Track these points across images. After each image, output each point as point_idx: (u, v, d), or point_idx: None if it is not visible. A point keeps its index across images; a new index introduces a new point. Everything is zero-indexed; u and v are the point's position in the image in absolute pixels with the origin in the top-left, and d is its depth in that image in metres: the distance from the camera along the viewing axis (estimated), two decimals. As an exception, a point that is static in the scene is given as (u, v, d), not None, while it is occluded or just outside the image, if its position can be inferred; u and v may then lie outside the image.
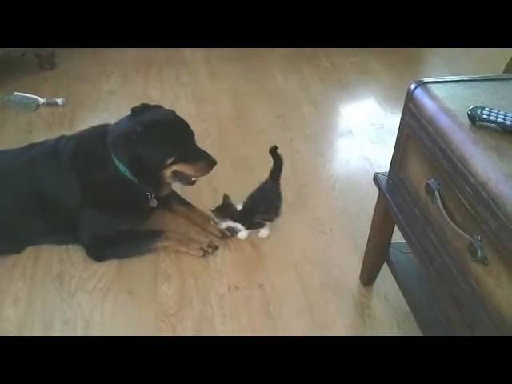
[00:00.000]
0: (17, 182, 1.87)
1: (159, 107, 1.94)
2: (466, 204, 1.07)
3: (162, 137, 1.80)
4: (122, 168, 1.81)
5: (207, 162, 1.90)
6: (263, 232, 2.02)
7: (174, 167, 1.84)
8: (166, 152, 1.81)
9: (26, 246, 1.97)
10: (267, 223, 2.00)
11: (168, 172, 1.85)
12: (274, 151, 1.95)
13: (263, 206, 1.96)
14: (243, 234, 2.01)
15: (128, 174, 1.82)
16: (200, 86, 3.09)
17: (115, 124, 1.90)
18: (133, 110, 1.88)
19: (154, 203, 1.97)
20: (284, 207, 2.13)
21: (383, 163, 2.26)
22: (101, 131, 1.88)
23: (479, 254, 1.05)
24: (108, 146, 1.81)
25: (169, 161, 1.81)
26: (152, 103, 1.98)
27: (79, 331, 1.68)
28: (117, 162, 1.81)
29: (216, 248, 1.97)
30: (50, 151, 1.90)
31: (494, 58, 3.19)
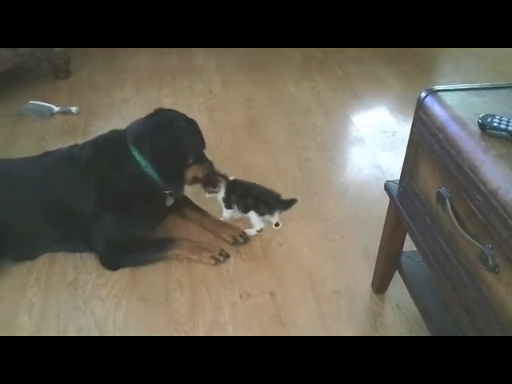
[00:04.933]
0: (32, 190, 1.89)
1: (173, 110, 2.02)
2: (477, 212, 1.07)
3: (195, 131, 1.96)
4: (143, 164, 1.86)
5: (209, 166, 2.04)
6: (249, 231, 2.07)
7: (192, 169, 1.97)
8: (196, 145, 1.96)
9: (40, 253, 1.98)
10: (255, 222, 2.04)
11: (189, 174, 1.97)
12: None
13: (248, 192, 2.01)
14: (226, 214, 2.10)
15: (149, 169, 1.86)
16: (213, 95, 3.11)
17: (131, 125, 1.96)
18: (155, 110, 1.98)
19: (170, 201, 2.01)
20: (295, 215, 2.14)
21: (395, 171, 2.24)
22: (117, 134, 1.95)
23: (490, 262, 1.05)
24: (128, 144, 1.86)
25: (192, 159, 1.94)
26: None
27: (92, 337, 1.70)
28: (139, 158, 1.85)
29: (227, 256, 1.97)
30: (65, 159, 1.93)
31: (505, 65, 3.19)
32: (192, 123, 1.99)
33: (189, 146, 1.94)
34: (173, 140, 1.87)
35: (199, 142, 2.01)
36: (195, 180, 2.03)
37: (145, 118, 1.96)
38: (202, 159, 2.02)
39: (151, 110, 1.97)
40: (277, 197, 2.01)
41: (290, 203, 2.00)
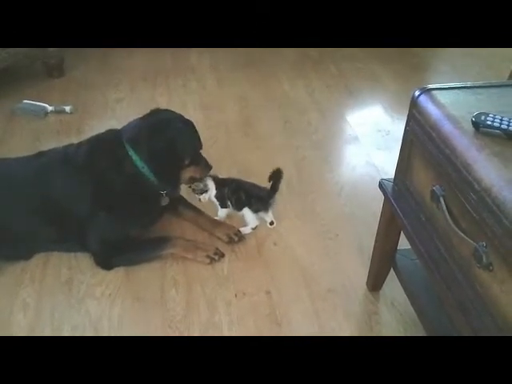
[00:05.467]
0: (26, 190, 1.89)
1: (169, 110, 2.02)
2: (471, 210, 1.07)
3: (191, 132, 1.96)
4: (139, 164, 1.86)
5: (206, 166, 2.05)
6: (244, 229, 2.07)
7: (188, 170, 1.97)
8: (191, 147, 1.96)
9: (35, 253, 1.98)
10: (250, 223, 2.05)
11: (185, 174, 1.98)
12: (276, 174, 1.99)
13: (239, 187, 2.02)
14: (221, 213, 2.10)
15: (145, 170, 1.86)
16: (207, 93, 3.11)
17: (127, 125, 1.96)
18: (151, 111, 1.98)
19: (165, 201, 2.01)
20: (290, 213, 2.14)
21: (390, 169, 2.25)
22: (113, 133, 1.95)
23: (484, 260, 1.05)
24: (124, 144, 1.86)
25: (187, 160, 1.94)
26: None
27: (87, 337, 1.69)
28: (135, 158, 1.85)
29: (222, 255, 1.97)
30: (60, 158, 1.92)
31: (500, 64, 3.19)
32: (189, 124, 1.99)
33: (185, 147, 1.93)
34: (169, 141, 1.87)
35: (196, 143, 2.01)
36: (192, 180, 2.03)
37: (141, 118, 1.95)
38: (198, 160, 2.02)
39: (145, 110, 1.97)
40: (268, 191, 2.01)
41: (275, 178, 1.98)
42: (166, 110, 2.01)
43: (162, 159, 1.87)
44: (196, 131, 2.01)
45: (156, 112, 1.98)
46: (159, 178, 1.90)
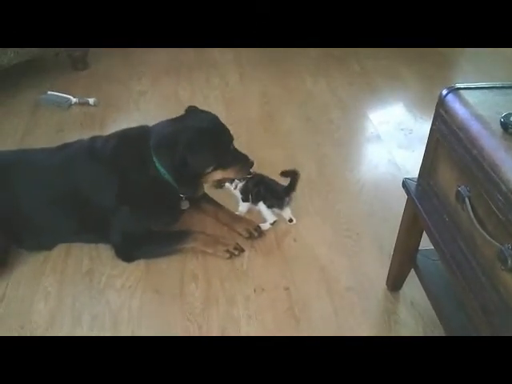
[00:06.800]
0: (51, 181, 1.91)
1: (204, 112, 1.98)
2: (497, 212, 1.06)
3: (204, 147, 1.84)
4: (162, 171, 1.85)
5: (244, 165, 1.96)
6: (264, 225, 2.07)
7: (214, 174, 1.92)
8: (207, 162, 1.88)
9: (57, 243, 2.01)
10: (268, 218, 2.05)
11: (210, 178, 1.94)
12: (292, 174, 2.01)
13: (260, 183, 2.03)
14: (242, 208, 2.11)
15: (167, 176, 1.86)
16: (230, 89, 3.11)
17: (156, 126, 1.94)
18: (186, 111, 1.96)
19: (185, 205, 2.01)
20: (310, 210, 2.14)
21: (412, 169, 2.25)
22: (142, 132, 1.93)
23: (509, 262, 1.04)
24: (150, 148, 1.85)
25: (208, 170, 1.88)
26: (182, 104, 2.02)
27: (107, 327, 1.71)
28: (157, 164, 1.85)
29: (242, 250, 1.98)
30: (87, 151, 1.93)
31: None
32: (217, 129, 1.92)
33: (199, 162, 1.87)
34: (189, 154, 1.81)
35: (220, 150, 1.90)
36: (223, 181, 2.01)
37: (173, 120, 1.93)
38: (230, 162, 1.93)
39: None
40: (285, 189, 2.02)
41: (292, 178, 2.00)
42: (202, 112, 1.97)
43: (182, 170, 1.84)
44: (222, 135, 1.93)
45: (186, 116, 1.94)
46: (180, 185, 1.90)
